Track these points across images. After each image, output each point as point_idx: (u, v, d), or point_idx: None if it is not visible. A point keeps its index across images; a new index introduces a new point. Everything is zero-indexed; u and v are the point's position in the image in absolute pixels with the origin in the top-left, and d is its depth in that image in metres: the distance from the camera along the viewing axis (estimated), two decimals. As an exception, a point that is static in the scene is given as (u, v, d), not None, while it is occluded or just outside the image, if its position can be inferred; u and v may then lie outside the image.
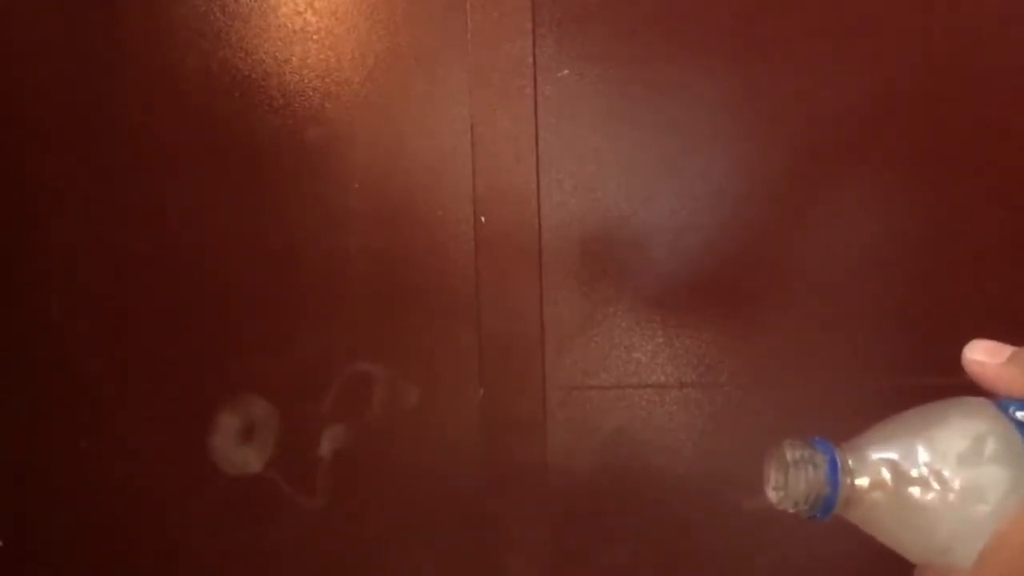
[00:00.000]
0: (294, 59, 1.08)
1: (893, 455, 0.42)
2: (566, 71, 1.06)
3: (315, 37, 1.08)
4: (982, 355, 0.45)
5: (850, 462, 0.43)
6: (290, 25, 1.08)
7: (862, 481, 0.43)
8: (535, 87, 1.06)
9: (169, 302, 1.12)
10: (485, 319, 1.08)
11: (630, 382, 1.09)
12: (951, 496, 0.41)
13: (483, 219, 1.07)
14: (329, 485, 1.13)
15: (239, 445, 1.12)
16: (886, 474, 0.42)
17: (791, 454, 0.43)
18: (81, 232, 1.12)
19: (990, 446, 0.42)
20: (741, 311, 1.08)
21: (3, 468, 1.14)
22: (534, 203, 1.07)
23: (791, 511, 0.44)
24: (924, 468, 0.42)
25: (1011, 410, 0.43)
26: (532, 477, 1.10)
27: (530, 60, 1.06)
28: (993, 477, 0.41)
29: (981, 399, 0.44)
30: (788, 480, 0.43)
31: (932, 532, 0.42)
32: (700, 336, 1.08)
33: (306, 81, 1.08)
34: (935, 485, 0.41)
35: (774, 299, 1.08)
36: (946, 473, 0.41)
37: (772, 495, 0.44)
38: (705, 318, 1.08)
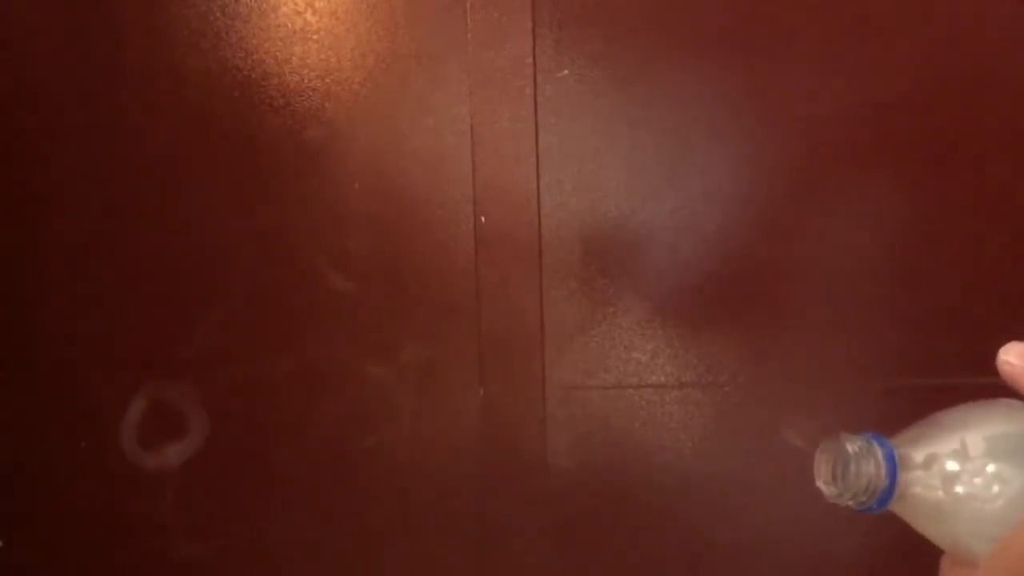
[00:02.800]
0: (294, 59, 1.08)
1: (942, 452, 0.44)
2: (566, 71, 1.06)
3: (315, 37, 1.08)
4: (1015, 358, 0.46)
5: (904, 457, 0.44)
6: (290, 25, 1.08)
7: (914, 476, 0.44)
8: (535, 87, 1.06)
9: (169, 302, 1.12)
10: (485, 319, 1.08)
11: (630, 382, 1.09)
12: (990, 492, 0.43)
13: (483, 219, 1.07)
14: (329, 484, 1.13)
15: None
16: (935, 469, 0.44)
17: (851, 447, 0.44)
18: (81, 232, 1.12)
19: None
20: (741, 311, 1.08)
21: (3, 468, 1.14)
22: (534, 203, 1.07)
23: (846, 504, 0.45)
24: (967, 465, 0.44)
25: None
26: (532, 477, 1.10)
27: (530, 60, 1.06)
28: None
29: (1017, 401, 0.46)
30: (847, 472, 0.44)
31: (968, 524, 0.44)
32: (700, 336, 1.08)
33: (306, 81, 1.08)
34: (977, 481, 0.43)
35: (774, 299, 1.08)
36: (988, 470, 0.43)
37: (825, 488, 0.46)
38: (705, 318, 1.08)
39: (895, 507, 0.45)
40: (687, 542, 1.10)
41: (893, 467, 0.44)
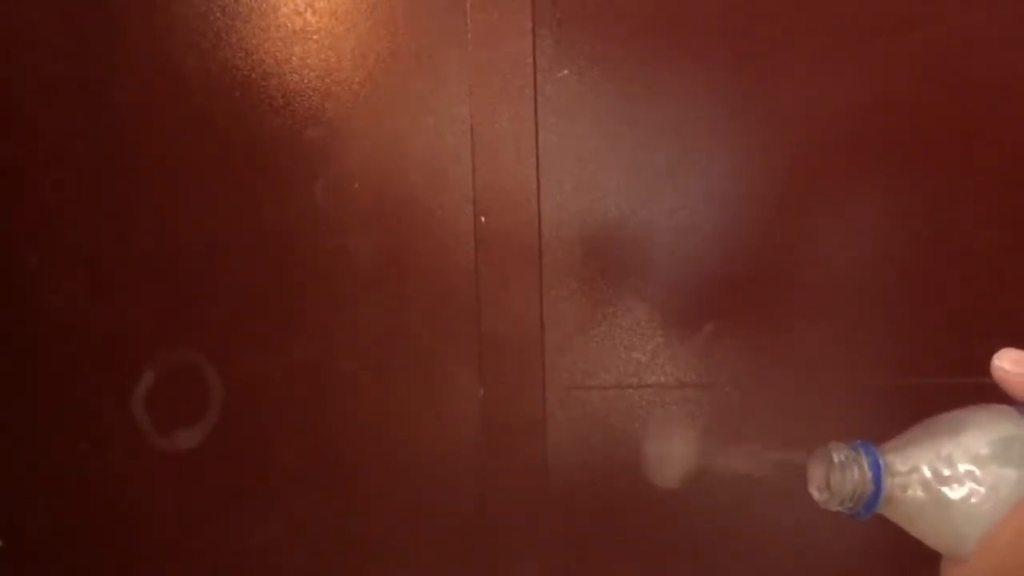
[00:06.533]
0: (294, 59, 1.08)
1: (929, 457, 0.46)
2: (566, 71, 1.06)
3: (315, 37, 1.08)
4: (1008, 364, 0.48)
5: (890, 463, 0.46)
6: (290, 25, 1.08)
7: (901, 481, 0.46)
8: (535, 87, 1.06)
9: (169, 302, 1.12)
10: (485, 319, 1.08)
11: (630, 382, 1.09)
12: (979, 494, 0.45)
13: (483, 219, 1.07)
14: (329, 483, 1.13)
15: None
16: (922, 475, 0.46)
17: (837, 456, 0.47)
18: (81, 232, 1.12)
19: (1016, 449, 0.45)
20: (740, 311, 1.08)
21: (3, 468, 1.14)
22: (534, 203, 1.07)
23: (835, 509, 0.47)
24: (956, 469, 0.45)
25: None
26: (532, 477, 1.09)
27: (530, 60, 1.06)
28: (1015, 476, 0.45)
29: (1006, 406, 0.47)
30: (834, 480, 0.47)
31: (959, 527, 0.45)
32: (700, 336, 1.08)
33: (306, 81, 1.08)
34: (966, 484, 0.45)
35: (774, 299, 1.08)
36: (977, 473, 0.45)
37: (817, 494, 0.48)
38: (705, 318, 1.08)
39: (886, 511, 0.47)
40: (687, 542, 1.10)
41: (878, 474, 0.46)
